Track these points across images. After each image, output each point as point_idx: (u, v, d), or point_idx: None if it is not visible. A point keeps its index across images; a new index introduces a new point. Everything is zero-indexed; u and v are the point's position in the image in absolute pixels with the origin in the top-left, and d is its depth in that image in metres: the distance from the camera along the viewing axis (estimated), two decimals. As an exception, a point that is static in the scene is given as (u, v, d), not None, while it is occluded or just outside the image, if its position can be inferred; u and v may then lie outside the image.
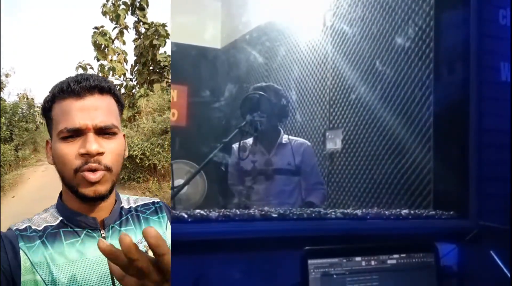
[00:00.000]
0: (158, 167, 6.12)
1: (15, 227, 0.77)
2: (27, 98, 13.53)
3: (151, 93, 8.29)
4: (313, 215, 1.23)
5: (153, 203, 0.93)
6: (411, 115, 1.82)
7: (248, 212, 1.18)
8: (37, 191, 7.25)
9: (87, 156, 0.73)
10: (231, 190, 1.86)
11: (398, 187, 1.85)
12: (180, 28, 2.53)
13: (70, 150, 0.74)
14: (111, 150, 0.76)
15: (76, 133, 0.74)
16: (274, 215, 1.19)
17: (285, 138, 1.82)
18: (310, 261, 0.98)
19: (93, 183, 0.74)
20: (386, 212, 1.35)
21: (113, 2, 8.83)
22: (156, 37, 8.40)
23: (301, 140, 1.86)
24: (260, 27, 2.61)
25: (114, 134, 0.78)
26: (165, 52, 8.77)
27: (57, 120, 0.76)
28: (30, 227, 0.77)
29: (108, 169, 0.75)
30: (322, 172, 2.25)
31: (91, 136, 0.74)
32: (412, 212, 1.42)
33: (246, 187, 1.81)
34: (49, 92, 0.78)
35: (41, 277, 0.72)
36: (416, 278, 1.08)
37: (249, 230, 1.15)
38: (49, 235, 0.76)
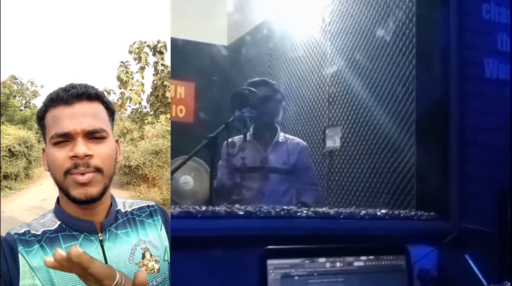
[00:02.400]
0: (148, 176, 8.69)
1: (14, 231, 0.78)
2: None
3: (157, 122, 10.50)
4: (282, 213, 1.18)
5: (148, 206, 0.95)
6: (396, 112, 1.77)
7: (212, 209, 1.13)
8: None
9: (76, 158, 0.75)
10: (223, 187, 1.80)
11: (383, 186, 1.80)
12: (186, 26, 2.52)
13: (61, 154, 0.76)
14: (101, 153, 0.78)
15: (66, 138, 0.77)
16: (241, 213, 1.14)
17: (281, 136, 1.78)
18: (269, 261, 0.93)
19: (83, 185, 0.75)
20: (362, 212, 1.30)
21: (138, 45, 11.23)
22: (168, 78, 10.65)
23: (297, 139, 1.82)
24: (264, 24, 2.59)
25: (103, 137, 0.79)
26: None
27: (49, 127, 0.79)
28: (29, 231, 0.78)
29: (98, 170, 0.77)
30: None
31: (79, 140, 0.76)
32: (390, 212, 1.36)
33: (239, 185, 1.77)
34: (42, 102, 0.83)
35: (40, 281, 0.73)
36: (385, 281, 1.03)
37: (213, 228, 1.10)
38: (47, 240, 0.78)
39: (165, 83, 10.60)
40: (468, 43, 1.43)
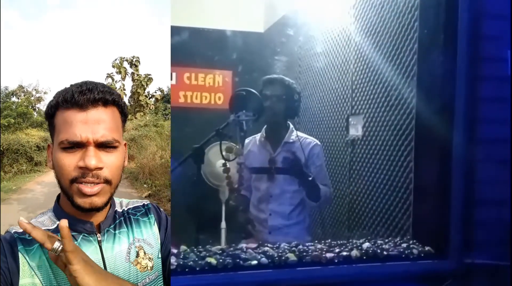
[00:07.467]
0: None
1: (13, 230, 0.78)
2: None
3: (134, 119, 14.30)
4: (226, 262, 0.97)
5: (143, 205, 0.95)
6: (395, 118, 1.48)
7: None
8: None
9: (85, 169, 0.74)
10: (231, 190, 1.71)
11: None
12: (223, 14, 2.51)
13: (69, 161, 0.74)
14: (111, 164, 0.77)
15: (77, 145, 0.74)
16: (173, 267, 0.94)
17: (293, 136, 1.71)
18: None
19: (89, 196, 0.75)
20: (330, 254, 1.07)
21: (119, 60, 15.29)
22: (139, 88, 15.14)
23: (310, 139, 1.73)
24: (293, 12, 2.42)
25: (115, 147, 0.77)
26: (148, 92, 15.73)
27: (59, 129, 0.76)
28: None
29: (107, 182, 0.76)
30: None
31: (91, 150, 0.74)
32: (370, 250, 1.12)
33: (248, 187, 1.74)
34: (53, 97, 0.78)
35: (40, 280, 0.73)
36: None
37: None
38: None
39: (138, 90, 15.24)
40: (484, 31, 1.09)
